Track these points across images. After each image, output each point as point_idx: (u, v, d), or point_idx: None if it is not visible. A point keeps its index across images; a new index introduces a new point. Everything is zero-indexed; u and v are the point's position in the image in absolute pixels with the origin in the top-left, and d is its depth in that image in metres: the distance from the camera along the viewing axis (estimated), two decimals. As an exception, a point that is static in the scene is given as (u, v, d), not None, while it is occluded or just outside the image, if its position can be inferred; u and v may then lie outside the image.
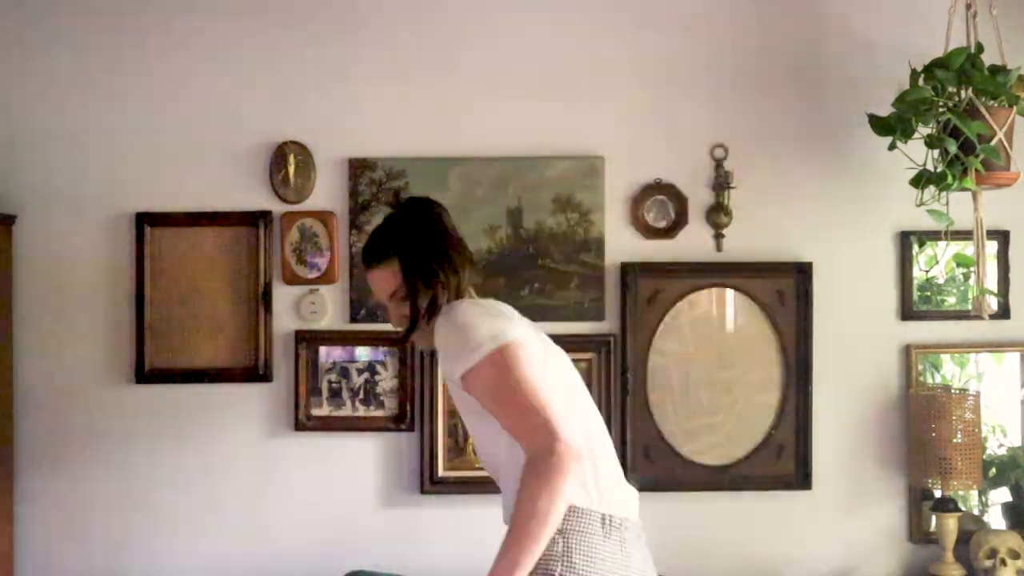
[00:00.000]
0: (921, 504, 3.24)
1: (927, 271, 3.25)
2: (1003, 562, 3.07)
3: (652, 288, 3.20)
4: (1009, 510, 3.32)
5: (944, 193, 2.91)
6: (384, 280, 2.11)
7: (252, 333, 3.19)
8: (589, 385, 3.16)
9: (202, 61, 3.21)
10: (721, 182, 3.22)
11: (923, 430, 3.10)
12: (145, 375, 3.18)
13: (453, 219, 2.18)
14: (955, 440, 3.05)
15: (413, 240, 2.08)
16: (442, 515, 3.22)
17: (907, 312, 3.25)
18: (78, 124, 3.20)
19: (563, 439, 1.79)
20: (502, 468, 2.01)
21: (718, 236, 3.23)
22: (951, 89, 2.90)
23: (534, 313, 3.16)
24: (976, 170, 2.85)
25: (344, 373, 3.20)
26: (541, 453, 1.79)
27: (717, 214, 3.23)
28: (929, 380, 3.29)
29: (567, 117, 3.23)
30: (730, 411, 3.22)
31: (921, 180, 2.92)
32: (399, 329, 2.16)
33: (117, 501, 3.19)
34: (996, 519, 3.33)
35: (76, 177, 3.20)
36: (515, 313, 2.04)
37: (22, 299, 3.19)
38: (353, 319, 3.20)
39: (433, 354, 3.18)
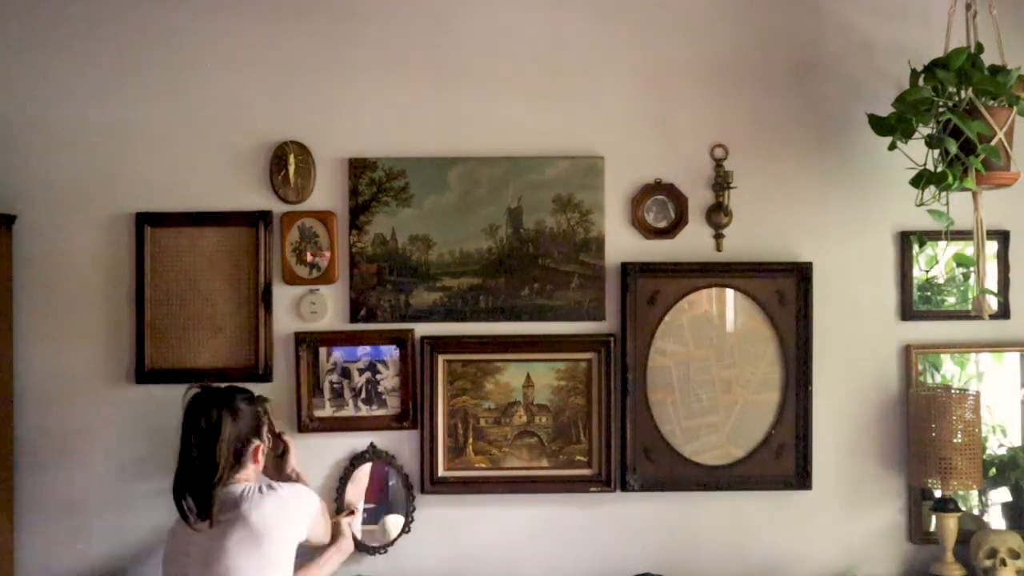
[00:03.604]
0: (921, 504, 3.24)
1: (927, 271, 3.25)
2: (1003, 562, 3.07)
3: (652, 288, 3.20)
4: (1009, 510, 3.32)
5: (944, 193, 2.91)
6: None
7: (252, 333, 3.19)
8: (589, 385, 3.20)
9: (202, 61, 3.21)
10: (721, 182, 3.22)
11: (923, 430, 3.10)
12: (145, 375, 3.18)
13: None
14: (955, 440, 3.05)
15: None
16: (442, 515, 3.22)
17: (907, 312, 3.26)
18: (78, 124, 3.20)
19: None
20: None
21: (718, 236, 3.23)
22: (951, 89, 2.90)
23: (534, 313, 3.20)
24: (976, 170, 2.86)
25: (345, 373, 3.20)
26: None
27: (717, 214, 3.23)
28: (929, 380, 3.29)
29: (567, 117, 3.23)
30: (730, 411, 3.22)
31: (921, 180, 2.92)
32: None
33: (117, 501, 3.19)
34: (996, 519, 3.34)
35: (76, 177, 3.20)
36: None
37: (22, 299, 3.19)
38: (353, 319, 3.20)
39: (433, 349, 3.19)
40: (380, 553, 3.17)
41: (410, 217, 3.19)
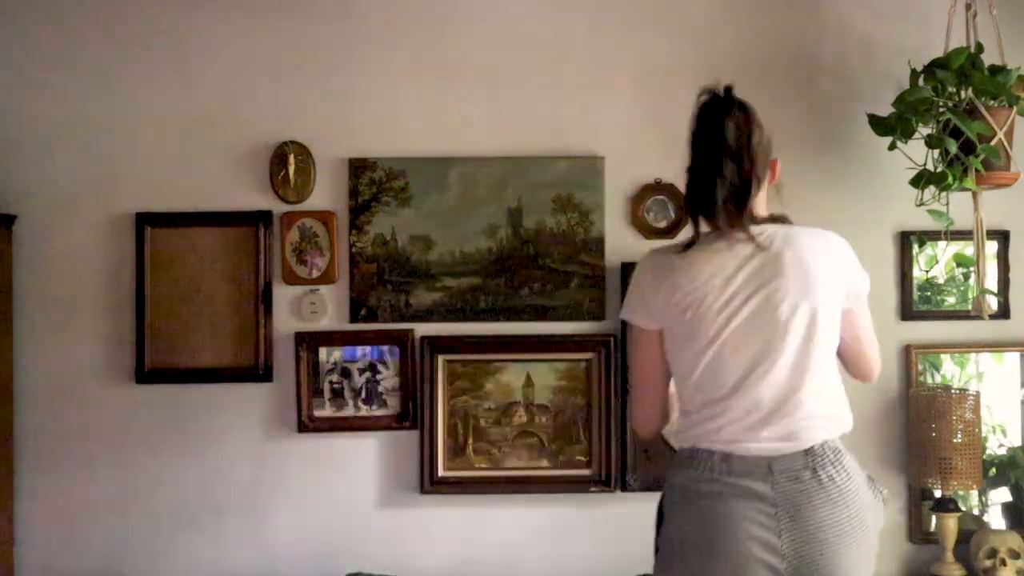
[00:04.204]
0: (921, 504, 3.24)
1: (927, 271, 3.25)
2: (1003, 562, 3.07)
3: (652, 288, 3.19)
4: (1009, 510, 3.32)
5: (944, 193, 2.91)
6: None
7: (252, 333, 3.19)
8: (589, 385, 3.20)
9: (202, 61, 3.22)
10: (721, 182, 3.21)
11: (923, 430, 3.10)
12: (145, 375, 3.18)
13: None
14: (955, 440, 3.05)
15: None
16: (442, 515, 3.22)
17: (907, 312, 3.25)
18: (78, 124, 3.20)
19: (635, 418, 2.26)
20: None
21: (718, 236, 3.23)
22: (951, 89, 2.90)
23: (534, 313, 3.19)
24: (976, 170, 2.86)
25: (345, 373, 3.20)
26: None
27: (717, 214, 3.22)
28: (929, 380, 3.29)
29: (567, 117, 3.23)
30: (730, 411, 3.21)
31: (921, 180, 2.92)
32: None
33: (117, 501, 3.19)
34: (996, 519, 3.33)
35: (76, 177, 3.20)
36: (665, 276, 2.10)
37: (22, 299, 3.19)
38: (353, 319, 3.20)
39: (433, 349, 3.19)
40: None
41: (410, 217, 3.19)
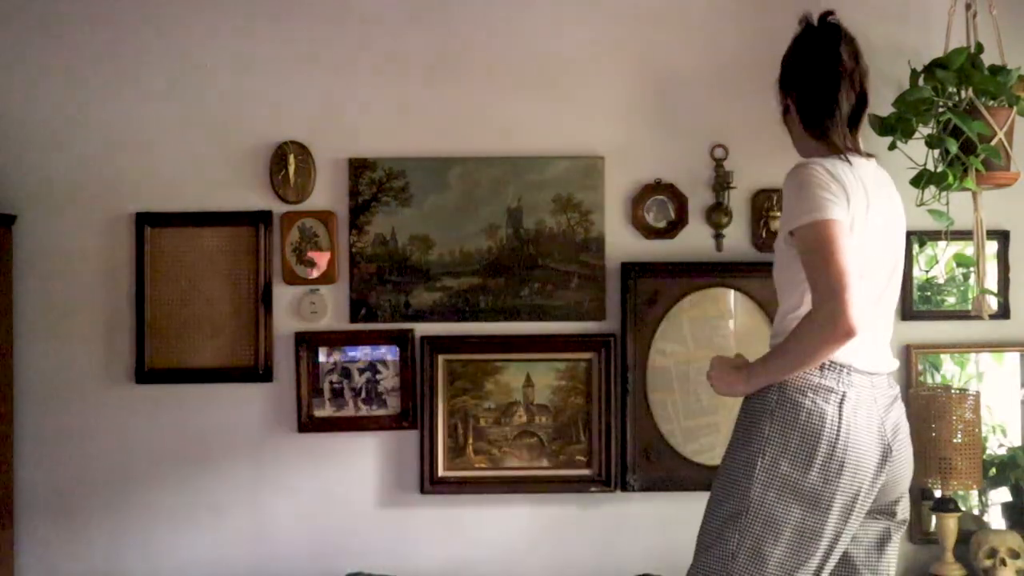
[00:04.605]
0: (921, 504, 3.24)
1: (927, 271, 3.25)
2: (1003, 562, 3.07)
3: (652, 288, 3.20)
4: (1009, 510, 3.32)
5: (944, 193, 2.91)
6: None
7: (252, 333, 3.19)
8: (589, 385, 3.20)
9: (202, 61, 3.21)
10: (721, 182, 3.22)
11: (923, 430, 3.10)
12: (145, 375, 3.18)
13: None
14: (955, 440, 3.05)
15: (794, 60, 2.46)
16: (442, 515, 3.22)
17: (907, 312, 3.25)
18: (78, 124, 3.21)
19: (848, 315, 2.09)
20: (790, 311, 2.30)
21: (718, 236, 3.23)
22: (951, 89, 2.90)
23: (534, 313, 3.20)
24: (976, 170, 2.86)
25: (345, 373, 3.20)
26: (825, 313, 2.11)
27: (717, 214, 3.23)
28: (929, 380, 3.29)
29: (567, 117, 3.23)
30: (730, 411, 3.20)
31: (921, 180, 2.92)
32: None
33: (117, 501, 3.19)
34: (996, 519, 3.33)
35: (76, 177, 3.20)
36: (852, 183, 2.22)
37: (22, 299, 3.19)
38: (353, 319, 3.20)
39: (433, 349, 3.19)
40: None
41: (410, 217, 3.19)
